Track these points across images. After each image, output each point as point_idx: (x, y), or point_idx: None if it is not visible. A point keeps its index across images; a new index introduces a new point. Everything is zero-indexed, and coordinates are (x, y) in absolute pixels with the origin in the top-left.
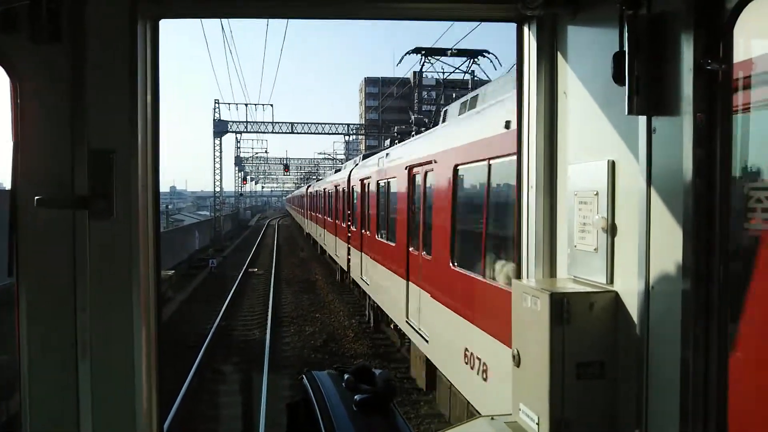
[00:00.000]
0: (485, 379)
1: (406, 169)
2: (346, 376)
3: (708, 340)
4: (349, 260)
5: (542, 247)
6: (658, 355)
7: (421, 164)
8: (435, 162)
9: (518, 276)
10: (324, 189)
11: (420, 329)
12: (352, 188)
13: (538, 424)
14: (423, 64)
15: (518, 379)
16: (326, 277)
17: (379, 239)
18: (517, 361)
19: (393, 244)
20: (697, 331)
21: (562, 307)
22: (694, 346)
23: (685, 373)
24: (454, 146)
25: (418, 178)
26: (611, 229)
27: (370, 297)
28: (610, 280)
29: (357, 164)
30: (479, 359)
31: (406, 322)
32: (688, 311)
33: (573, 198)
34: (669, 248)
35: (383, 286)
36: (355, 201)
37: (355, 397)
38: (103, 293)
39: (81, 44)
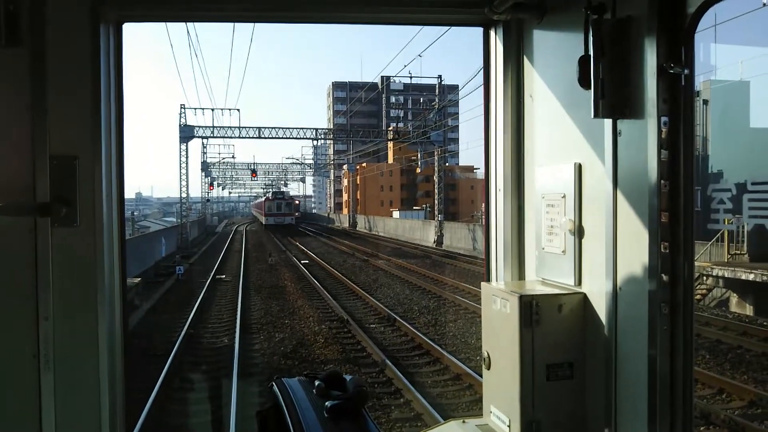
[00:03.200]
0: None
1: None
2: (316, 383)
3: (674, 338)
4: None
5: (510, 250)
6: (626, 354)
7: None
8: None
9: (487, 278)
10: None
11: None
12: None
13: (509, 426)
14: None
15: (489, 382)
16: (295, 282)
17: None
18: (487, 363)
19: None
20: (663, 330)
21: (531, 309)
22: (661, 344)
23: (652, 371)
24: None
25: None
26: (578, 231)
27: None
28: (578, 281)
29: (262, 198)
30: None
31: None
32: (654, 311)
33: (540, 201)
34: (635, 249)
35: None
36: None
37: (326, 403)
38: (67, 302)
39: (41, 48)
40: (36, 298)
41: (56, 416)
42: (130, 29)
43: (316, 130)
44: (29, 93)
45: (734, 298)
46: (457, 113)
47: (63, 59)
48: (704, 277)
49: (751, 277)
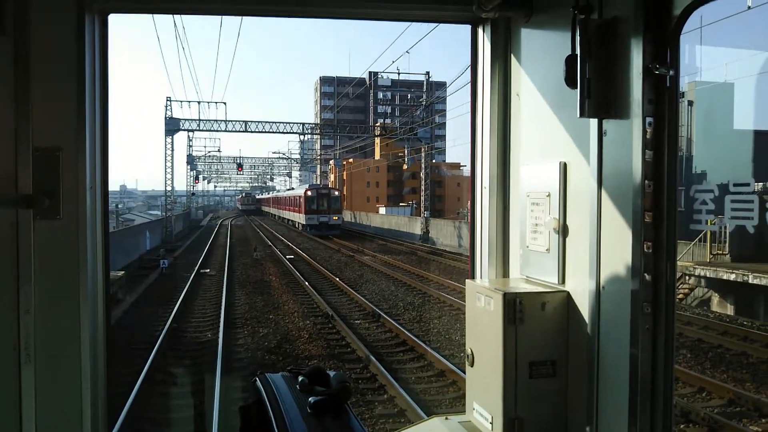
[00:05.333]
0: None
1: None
2: (300, 378)
3: (655, 337)
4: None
5: (495, 248)
6: (608, 353)
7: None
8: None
9: (472, 276)
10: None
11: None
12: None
13: (491, 423)
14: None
15: (472, 379)
16: (281, 277)
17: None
18: (470, 360)
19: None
20: (645, 329)
21: (515, 306)
22: (643, 343)
23: (633, 370)
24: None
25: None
26: (563, 230)
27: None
28: (562, 280)
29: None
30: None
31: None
32: (636, 310)
33: (525, 199)
34: (619, 248)
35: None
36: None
37: (309, 399)
38: (49, 295)
39: (25, 38)
40: (17, 290)
41: (36, 410)
42: (115, 20)
43: (303, 124)
44: (12, 83)
45: (716, 298)
46: (445, 110)
47: (47, 49)
48: (686, 277)
49: (732, 277)
